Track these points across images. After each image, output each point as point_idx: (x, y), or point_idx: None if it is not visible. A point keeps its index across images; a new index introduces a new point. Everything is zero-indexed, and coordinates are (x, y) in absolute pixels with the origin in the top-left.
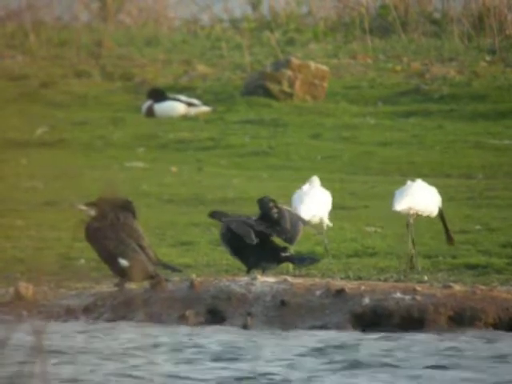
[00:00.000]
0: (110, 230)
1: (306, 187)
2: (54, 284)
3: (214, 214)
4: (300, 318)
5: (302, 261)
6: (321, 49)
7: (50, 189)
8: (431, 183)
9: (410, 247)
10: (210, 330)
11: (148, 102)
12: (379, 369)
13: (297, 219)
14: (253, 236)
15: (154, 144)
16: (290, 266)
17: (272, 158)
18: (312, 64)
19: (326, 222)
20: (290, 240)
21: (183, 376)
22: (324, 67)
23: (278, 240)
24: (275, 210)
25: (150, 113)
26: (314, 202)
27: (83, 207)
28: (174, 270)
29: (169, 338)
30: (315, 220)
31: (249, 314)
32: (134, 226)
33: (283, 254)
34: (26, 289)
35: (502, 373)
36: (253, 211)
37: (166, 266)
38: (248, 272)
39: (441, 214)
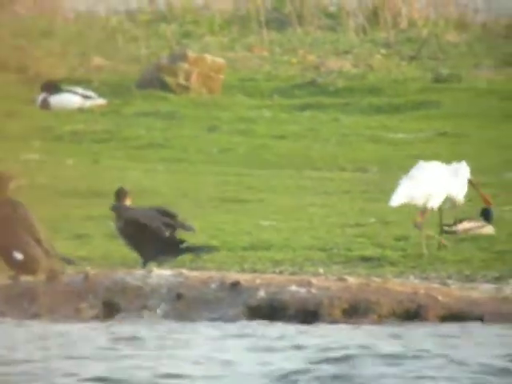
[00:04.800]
0: (4, 223)
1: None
2: None
3: (115, 207)
4: (196, 311)
5: (200, 251)
6: (217, 41)
7: None
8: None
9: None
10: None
11: (43, 95)
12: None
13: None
14: (164, 229)
15: (50, 136)
16: (187, 259)
17: (168, 151)
18: (208, 57)
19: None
20: (190, 228)
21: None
22: (220, 60)
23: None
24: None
25: (45, 105)
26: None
27: None
28: (69, 262)
29: (60, 330)
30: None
31: (144, 306)
32: (30, 219)
33: (181, 246)
34: None
35: None
36: (148, 204)
37: (61, 259)
38: (144, 265)
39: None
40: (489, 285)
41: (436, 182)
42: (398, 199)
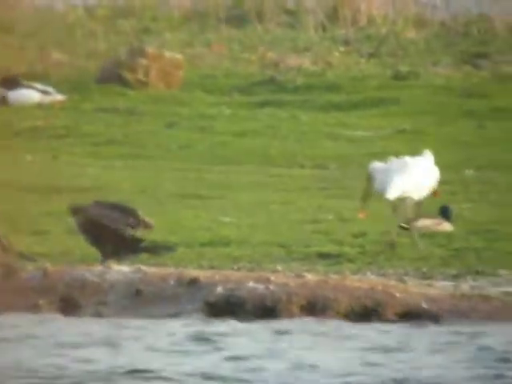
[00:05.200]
0: None
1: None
2: None
3: (73, 209)
4: (154, 307)
5: (159, 250)
6: (176, 38)
7: None
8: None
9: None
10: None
11: (1, 90)
12: None
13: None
14: (125, 230)
15: (9, 132)
16: (145, 255)
17: (127, 147)
18: (167, 53)
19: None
20: (149, 225)
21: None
22: (179, 56)
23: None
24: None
25: (4, 101)
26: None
27: None
28: (28, 259)
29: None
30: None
31: (103, 302)
32: None
33: (140, 245)
34: None
35: None
36: (107, 200)
37: (20, 256)
38: (103, 261)
39: None
40: (446, 282)
41: (424, 176)
42: (394, 192)
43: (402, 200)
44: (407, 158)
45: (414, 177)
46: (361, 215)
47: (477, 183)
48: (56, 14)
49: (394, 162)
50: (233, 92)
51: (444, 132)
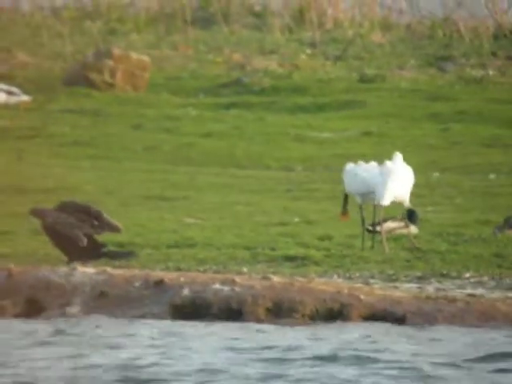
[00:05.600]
0: None
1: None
2: None
3: (36, 212)
4: (119, 309)
5: (120, 256)
6: (142, 39)
7: None
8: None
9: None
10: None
11: None
12: None
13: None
14: (82, 238)
15: None
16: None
17: (92, 148)
18: (133, 55)
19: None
20: (116, 228)
21: None
22: (145, 58)
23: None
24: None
25: None
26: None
27: None
28: None
29: None
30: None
31: (68, 304)
32: None
33: (102, 250)
34: None
35: None
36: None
37: None
38: (68, 263)
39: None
40: (411, 284)
41: (409, 181)
42: (389, 198)
43: (369, 203)
44: (390, 163)
45: (405, 181)
46: (342, 219)
47: (442, 186)
48: (22, 15)
49: (389, 166)
50: (199, 93)
51: (409, 135)
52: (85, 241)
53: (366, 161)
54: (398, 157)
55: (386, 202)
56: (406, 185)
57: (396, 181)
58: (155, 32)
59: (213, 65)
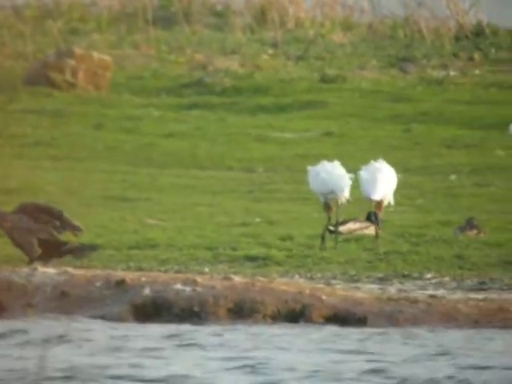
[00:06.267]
0: None
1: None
2: None
3: None
4: (80, 309)
5: (83, 251)
6: (104, 39)
7: None
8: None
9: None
10: None
11: None
12: None
13: None
14: (35, 249)
15: None
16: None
17: (54, 149)
18: (95, 54)
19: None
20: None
21: None
22: (107, 57)
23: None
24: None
25: None
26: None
27: None
28: None
29: None
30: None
31: (29, 304)
32: None
33: (64, 248)
34: None
35: None
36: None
37: None
38: (29, 263)
39: None
40: (373, 285)
41: (393, 180)
42: (380, 193)
43: (334, 203)
44: (380, 163)
45: (391, 182)
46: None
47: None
48: None
49: (374, 165)
50: (160, 94)
51: (371, 135)
52: (38, 251)
53: (328, 161)
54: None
55: (376, 197)
56: (391, 184)
57: (384, 178)
58: (117, 31)
59: (174, 65)
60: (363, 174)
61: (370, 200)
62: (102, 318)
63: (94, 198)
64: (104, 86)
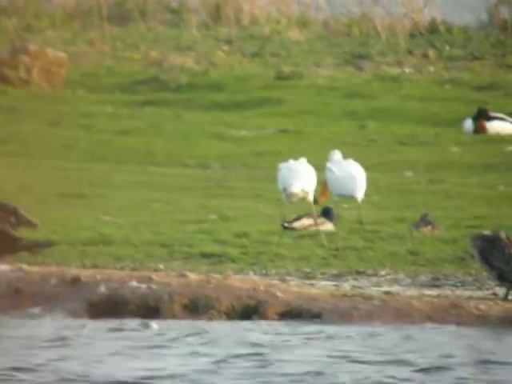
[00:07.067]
0: None
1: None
2: None
3: None
4: (35, 306)
5: (37, 247)
6: (58, 36)
7: None
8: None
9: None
10: None
11: None
12: None
13: None
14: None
15: None
16: (26, 254)
17: (8, 145)
18: (49, 51)
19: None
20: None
21: None
22: (61, 54)
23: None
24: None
25: None
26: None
27: None
28: None
29: None
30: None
31: None
32: None
33: (19, 244)
34: None
35: None
36: None
37: None
38: None
39: None
40: (328, 282)
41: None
42: (361, 192)
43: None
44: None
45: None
46: (322, 198)
47: None
48: None
49: (348, 162)
50: (115, 90)
51: (326, 132)
52: (6, 231)
53: (284, 159)
54: (337, 154)
55: (359, 195)
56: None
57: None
58: (71, 28)
59: (129, 62)
60: (337, 172)
61: (352, 198)
62: (57, 314)
63: (49, 194)
64: (58, 83)
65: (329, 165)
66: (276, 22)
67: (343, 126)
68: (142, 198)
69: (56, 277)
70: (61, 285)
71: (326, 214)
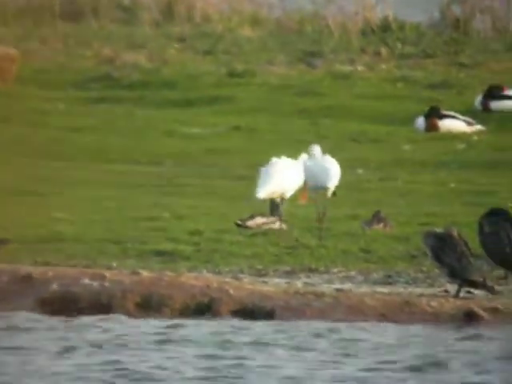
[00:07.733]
0: None
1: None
2: None
3: None
4: None
5: None
6: (10, 32)
7: None
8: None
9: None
10: None
11: None
12: None
13: None
14: None
15: None
16: None
17: None
18: (0, 47)
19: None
20: None
21: None
22: (13, 51)
23: None
24: None
25: None
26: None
27: None
28: None
29: None
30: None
31: None
32: None
33: None
34: None
35: None
36: None
37: None
38: None
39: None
40: (280, 279)
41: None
42: (333, 183)
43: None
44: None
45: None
46: (302, 200)
47: None
48: None
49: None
50: (68, 87)
51: (279, 130)
52: None
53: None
54: (316, 149)
55: (331, 185)
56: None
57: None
58: (23, 25)
59: (82, 59)
60: (311, 165)
61: (324, 189)
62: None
63: (1, 191)
64: (9, 80)
65: (305, 159)
66: (228, 19)
67: (295, 124)
68: (94, 194)
69: (8, 274)
70: (12, 282)
71: (273, 210)
